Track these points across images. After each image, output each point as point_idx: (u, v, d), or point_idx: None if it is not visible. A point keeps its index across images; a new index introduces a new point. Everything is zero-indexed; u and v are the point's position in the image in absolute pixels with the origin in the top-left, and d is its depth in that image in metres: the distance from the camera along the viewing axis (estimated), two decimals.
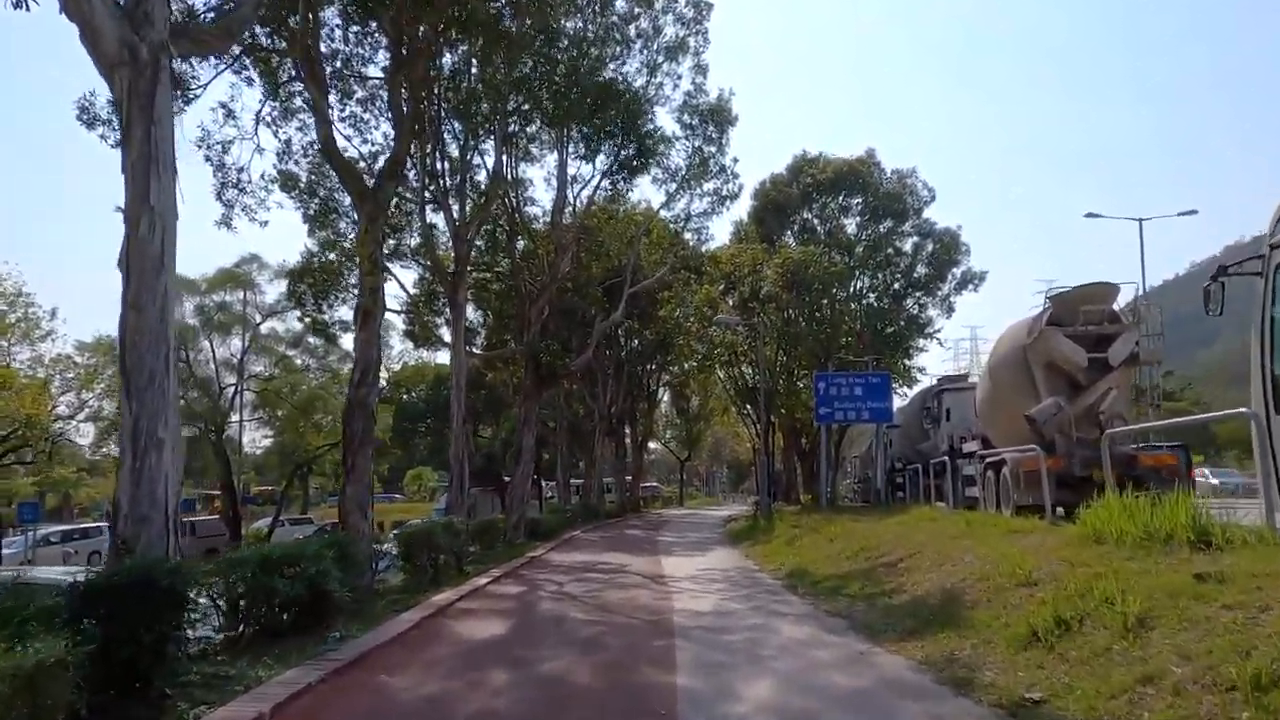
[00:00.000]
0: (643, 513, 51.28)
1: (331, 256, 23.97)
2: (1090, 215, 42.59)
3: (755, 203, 42.85)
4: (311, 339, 51.52)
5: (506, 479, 57.95)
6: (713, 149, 26.64)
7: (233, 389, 46.43)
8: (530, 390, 24.16)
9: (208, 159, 14.97)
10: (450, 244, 20.50)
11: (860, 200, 42.10)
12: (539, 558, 19.85)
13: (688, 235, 31.31)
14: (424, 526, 14.01)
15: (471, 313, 31.37)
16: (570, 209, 26.64)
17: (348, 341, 50.76)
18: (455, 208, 20.60)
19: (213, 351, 47.13)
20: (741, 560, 19.53)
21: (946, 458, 21.05)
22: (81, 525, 49.91)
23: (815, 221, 42.45)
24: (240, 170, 15.25)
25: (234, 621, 8.49)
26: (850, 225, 42.66)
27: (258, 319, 47.38)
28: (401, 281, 24.59)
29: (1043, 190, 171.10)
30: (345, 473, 12.04)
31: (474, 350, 28.49)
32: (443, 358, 56.72)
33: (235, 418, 48.82)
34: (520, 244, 27.48)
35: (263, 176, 19.71)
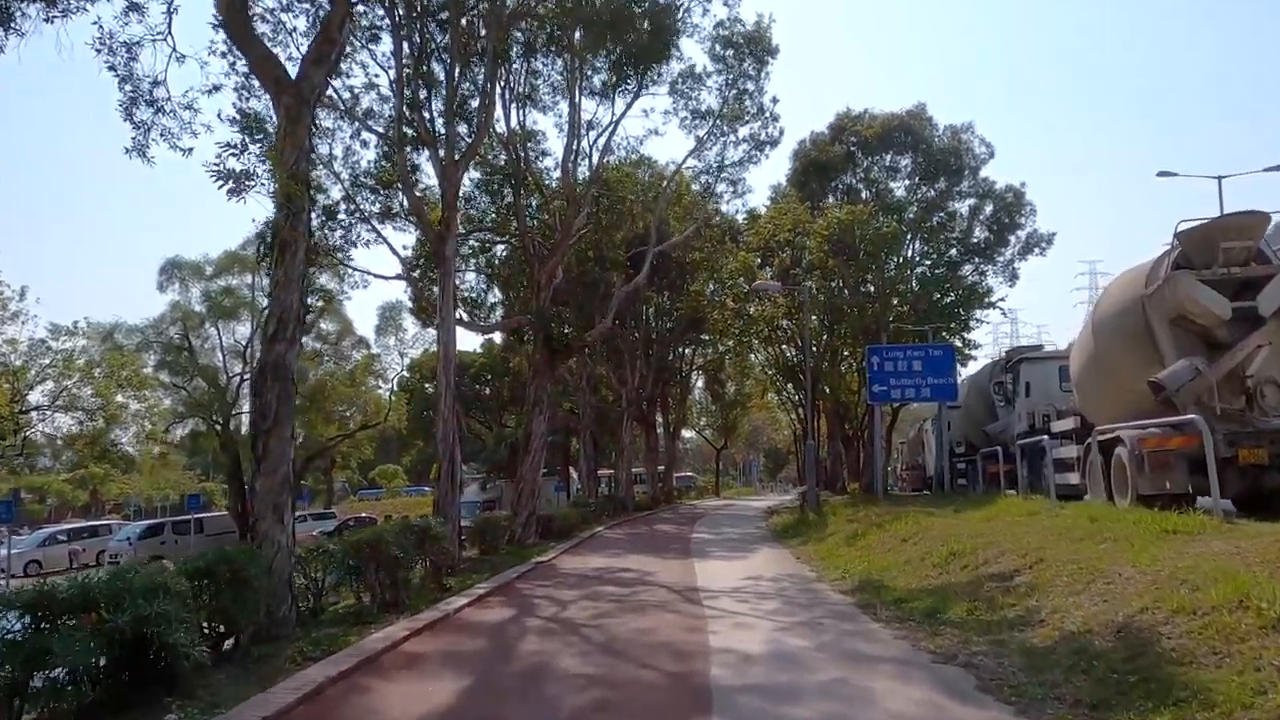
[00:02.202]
0: (676, 505, 47.79)
1: (314, 219, 20.71)
2: (1163, 174, 38.54)
3: (794, 164, 39.11)
4: (324, 325, 49.16)
5: (542, 471, 55.24)
6: (749, 85, 23.00)
7: (239, 378, 43.86)
8: (541, 365, 20.76)
9: (111, 67, 11.80)
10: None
11: (909, 161, 38.27)
12: (547, 563, 16.47)
13: (721, 187, 27.63)
14: (373, 531, 10.72)
15: (483, 286, 28.08)
16: (587, 161, 23.24)
17: (362, 322, 48.14)
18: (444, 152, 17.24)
19: (219, 338, 44.92)
20: (793, 564, 16.03)
21: (1041, 438, 17.44)
22: (91, 523, 47.75)
23: (860, 186, 38.61)
24: (156, 83, 12.02)
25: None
26: (899, 189, 38.82)
27: (265, 303, 44.87)
28: (393, 246, 21.32)
29: (1110, 147, 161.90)
30: (254, 461, 8.74)
31: (470, 320, 25.13)
32: (461, 342, 53.91)
33: (245, 408, 46.65)
34: (533, 202, 24.15)
35: (220, 116, 16.46)
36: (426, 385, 63.39)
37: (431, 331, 44.32)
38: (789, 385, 46.28)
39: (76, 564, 37.18)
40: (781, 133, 25.15)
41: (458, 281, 23.93)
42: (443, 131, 16.61)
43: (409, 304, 29.86)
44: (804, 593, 12.17)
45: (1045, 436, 17.32)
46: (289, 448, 8.90)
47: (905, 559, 13.37)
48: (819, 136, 39.11)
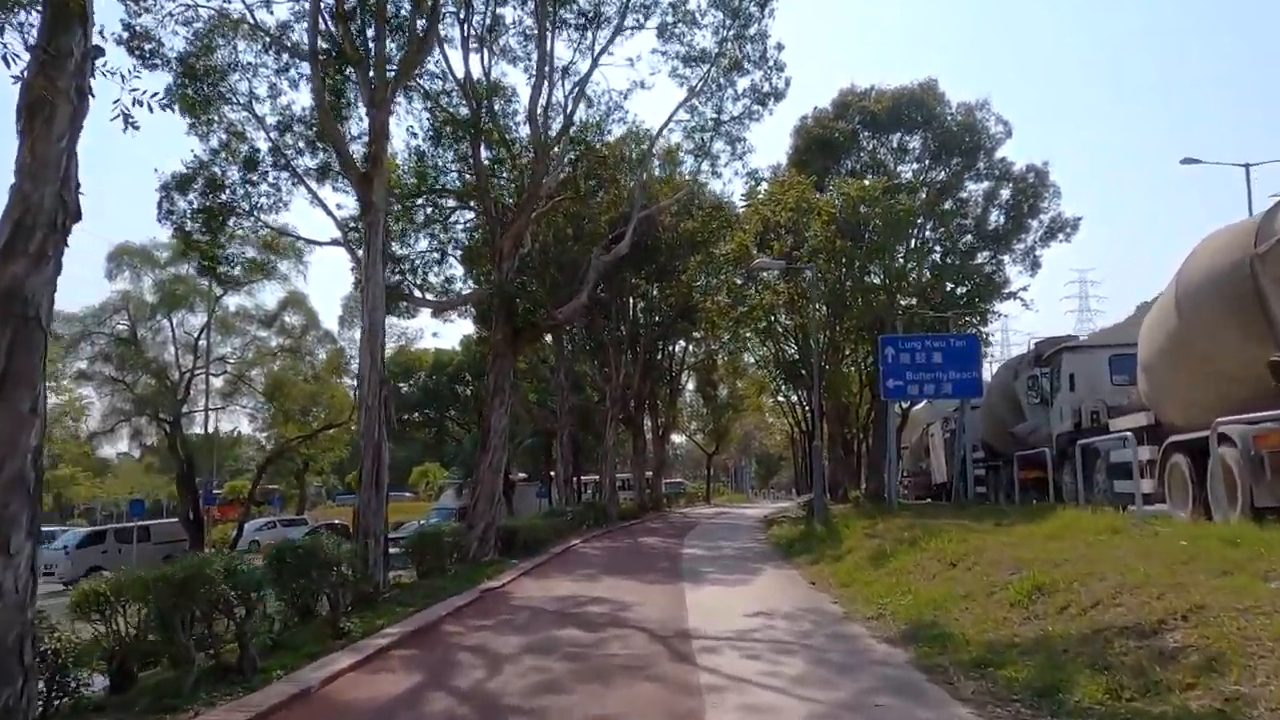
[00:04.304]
0: (665, 512, 44.44)
1: (233, 172, 17.40)
2: (1187, 161, 35.51)
3: (795, 142, 35.96)
4: (288, 318, 46.00)
5: (523, 475, 51.75)
6: (751, 27, 19.80)
7: (190, 373, 40.60)
8: (502, 348, 17.36)
9: None
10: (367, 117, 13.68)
11: (920, 141, 35.18)
12: (497, 591, 13.05)
13: (719, 145, 24.35)
14: (196, 559, 7.25)
15: (436, 257, 24.56)
16: (562, 114, 19.97)
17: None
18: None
19: (172, 332, 41.85)
20: (808, 593, 12.72)
21: (1123, 434, 14.31)
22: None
23: (866, 172, 35.40)
24: None
25: None
26: (907, 172, 35.66)
27: (220, 293, 41.53)
28: (329, 207, 17.98)
29: (1136, 131, 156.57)
30: None
31: (421, 296, 21.74)
32: (438, 339, 50.06)
33: (200, 406, 43.55)
34: (499, 163, 20.86)
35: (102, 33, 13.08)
36: (401, 385, 59.97)
37: (402, 323, 40.86)
38: (787, 384, 43.04)
39: None
40: (787, 84, 21.94)
41: (409, 254, 20.60)
42: (373, 48, 13.31)
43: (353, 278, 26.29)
44: (835, 641, 8.86)
45: (1127, 434, 14.06)
46: (31, 430, 5.49)
47: (964, 591, 10.04)
48: (821, 113, 36.01)
